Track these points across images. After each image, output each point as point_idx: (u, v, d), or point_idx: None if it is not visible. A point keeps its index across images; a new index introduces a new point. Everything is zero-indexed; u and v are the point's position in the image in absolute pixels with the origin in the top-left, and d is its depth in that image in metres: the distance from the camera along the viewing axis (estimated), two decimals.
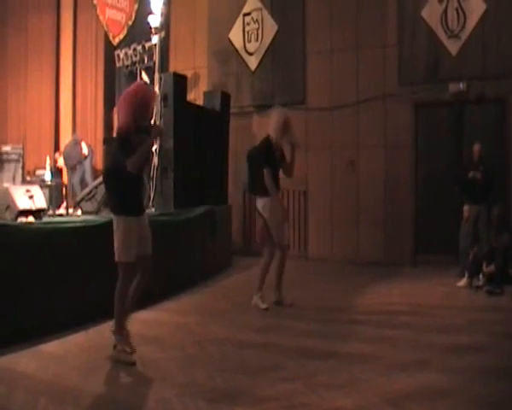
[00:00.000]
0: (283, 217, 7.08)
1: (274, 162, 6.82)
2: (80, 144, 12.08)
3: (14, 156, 11.05)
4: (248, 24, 12.11)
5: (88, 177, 11.90)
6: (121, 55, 12.27)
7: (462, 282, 8.23)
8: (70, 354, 4.94)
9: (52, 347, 5.15)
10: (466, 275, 8.25)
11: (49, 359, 4.82)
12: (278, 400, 3.88)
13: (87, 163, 12.09)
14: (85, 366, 4.63)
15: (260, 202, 6.91)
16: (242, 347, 5.25)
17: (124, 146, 4.72)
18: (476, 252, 8.28)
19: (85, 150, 12.04)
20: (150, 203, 9.28)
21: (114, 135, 4.98)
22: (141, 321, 5.99)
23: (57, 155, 12.62)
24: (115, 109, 12.99)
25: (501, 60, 9.77)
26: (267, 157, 6.79)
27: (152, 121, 5.58)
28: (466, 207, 8.79)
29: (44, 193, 8.54)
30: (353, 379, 4.28)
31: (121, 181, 4.74)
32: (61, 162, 12.40)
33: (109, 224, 6.70)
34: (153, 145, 4.97)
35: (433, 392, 3.98)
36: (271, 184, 6.74)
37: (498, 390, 4.03)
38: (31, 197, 7.54)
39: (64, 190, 11.14)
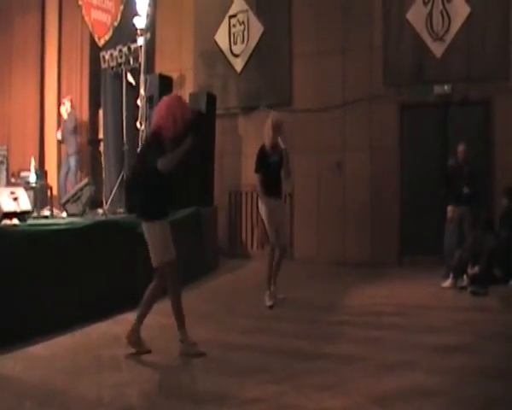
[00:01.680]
0: (275, 218, 7.20)
1: (266, 167, 7.14)
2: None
3: None
4: (234, 26, 12.11)
5: (72, 176, 11.80)
6: (106, 57, 12.19)
7: (447, 283, 8.28)
8: (57, 357, 4.92)
9: (39, 349, 5.13)
10: (451, 276, 8.30)
11: (35, 361, 4.79)
12: (265, 401, 3.88)
13: (72, 162, 11.98)
14: (72, 369, 4.60)
15: (259, 203, 7.34)
16: (229, 348, 5.25)
17: (158, 147, 4.93)
18: (461, 253, 8.33)
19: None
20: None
21: (148, 136, 5.16)
22: (127, 323, 5.94)
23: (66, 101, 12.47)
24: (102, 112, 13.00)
25: (485, 62, 9.84)
26: (256, 163, 7.20)
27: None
28: (450, 208, 8.83)
29: (29, 195, 8.47)
30: (341, 380, 4.28)
31: (155, 184, 4.92)
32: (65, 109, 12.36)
33: (94, 226, 6.71)
34: (185, 153, 5.13)
35: (420, 392, 3.99)
36: (259, 187, 7.19)
37: (485, 391, 4.05)
38: (15, 199, 7.48)
39: (49, 192, 11.05)
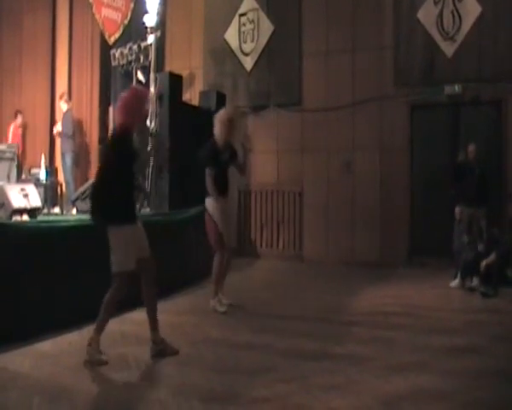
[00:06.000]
0: (227, 218, 6.97)
1: (218, 163, 6.77)
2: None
3: (8, 155, 10.93)
4: (244, 24, 12.10)
5: (68, 175, 11.81)
6: (117, 55, 12.21)
7: (455, 282, 8.25)
8: (64, 354, 4.93)
9: (47, 346, 5.14)
10: (458, 276, 8.25)
11: (43, 358, 4.80)
12: (273, 401, 3.87)
13: (68, 160, 11.94)
14: (80, 366, 4.61)
15: (207, 202, 6.92)
16: (237, 348, 5.24)
17: (125, 146, 4.72)
18: (469, 254, 8.26)
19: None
20: (145, 203, 9.25)
21: (111, 135, 4.92)
22: (135, 322, 5.96)
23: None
24: (113, 110, 12.98)
25: (496, 62, 9.80)
26: (209, 158, 6.76)
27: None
28: (458, 209, 8.80)
29: (39, 192, 8.50)
30: (348, 381, 4.27)
31: (122, 186, 4.70)
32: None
33: None
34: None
35: (428, 394, 3.98)
36: (211, 185, 6.76)
37: (494, 393, 4.03)
38: (25, 196, 7.50)
39: (59, 188, 11.08)
